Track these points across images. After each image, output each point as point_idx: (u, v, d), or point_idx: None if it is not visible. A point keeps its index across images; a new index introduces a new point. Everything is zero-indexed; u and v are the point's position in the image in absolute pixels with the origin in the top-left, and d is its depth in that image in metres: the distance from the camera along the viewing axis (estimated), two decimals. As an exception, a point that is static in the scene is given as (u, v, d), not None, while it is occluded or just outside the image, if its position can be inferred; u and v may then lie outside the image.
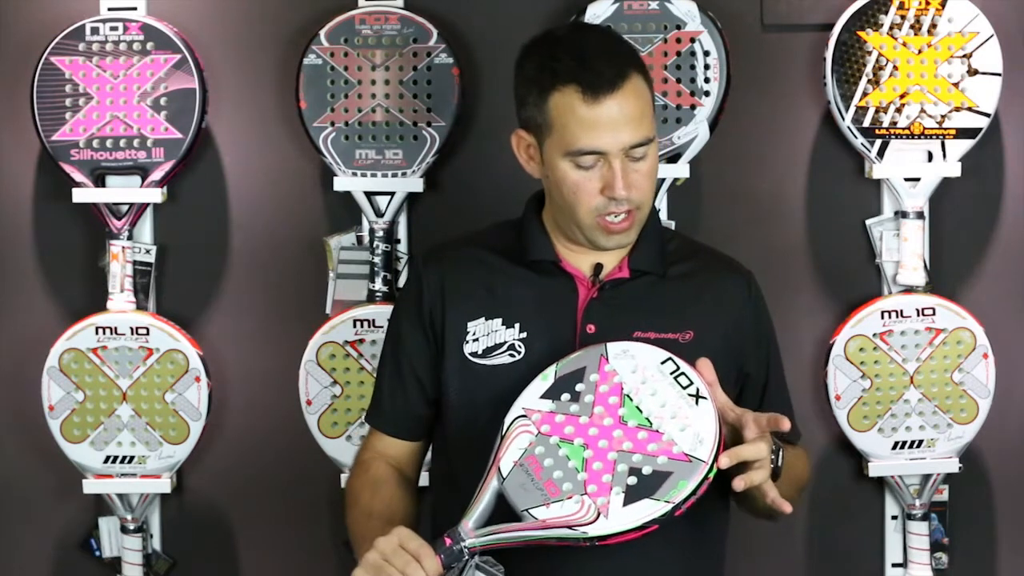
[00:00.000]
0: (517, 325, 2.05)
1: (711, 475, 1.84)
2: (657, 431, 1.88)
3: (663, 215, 2.87)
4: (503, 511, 1.88)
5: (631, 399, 1.91)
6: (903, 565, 2.94)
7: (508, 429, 1.92)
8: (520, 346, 2.03)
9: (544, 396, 1.94)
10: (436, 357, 2.09)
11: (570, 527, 1.83)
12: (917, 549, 2.90)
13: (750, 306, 2.13)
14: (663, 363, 1.93)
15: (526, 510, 1.86)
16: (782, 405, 2.15)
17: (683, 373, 1.92)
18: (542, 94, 1.99)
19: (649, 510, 1.83)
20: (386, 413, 2.15)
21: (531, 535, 1.85)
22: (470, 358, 2.06)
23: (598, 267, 2.06)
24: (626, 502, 1.83)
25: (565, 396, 1.93)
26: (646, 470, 1.85)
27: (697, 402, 1.89)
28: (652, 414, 1.89)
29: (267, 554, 3.01)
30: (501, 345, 2.05)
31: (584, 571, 1.98)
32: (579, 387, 1.93)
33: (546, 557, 1.91)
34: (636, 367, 1.93)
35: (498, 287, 2.08)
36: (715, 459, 1.85)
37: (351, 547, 2.93)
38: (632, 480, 1.84)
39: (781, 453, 1.94)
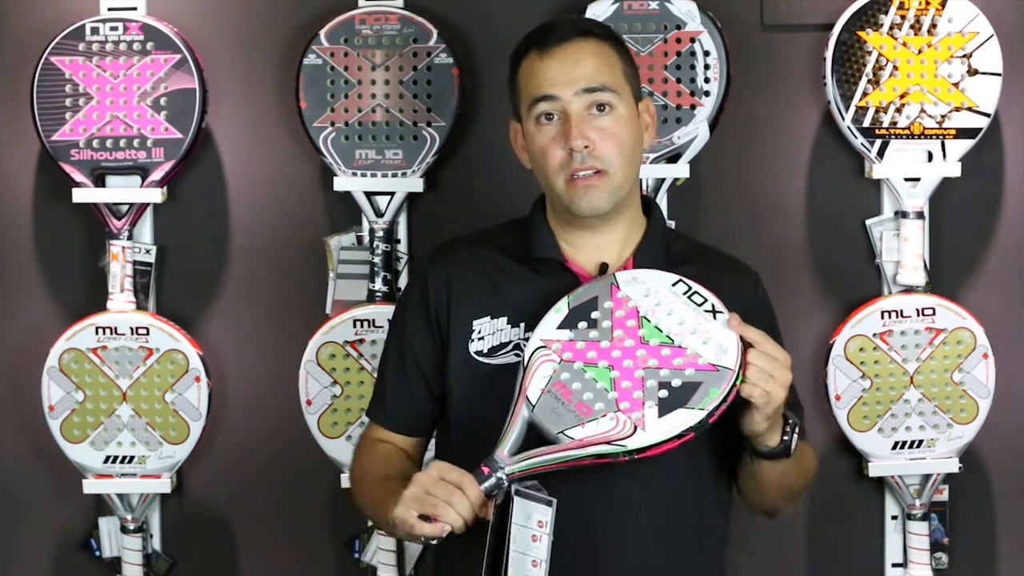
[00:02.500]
0: (523, 324, 2.05)
1: (739, 382, 1.88)
2: (680, 346, 1.91)
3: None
4: (533, 441, 1.89)
5: (648, 320, 1.94)
6: (903, 565, 2.94)
7: (529, 361, 1.94)
8: (525, 345, 2.03)
9: (561, 327, 1.96)
10: (442, 354, 2.09)
11: (609, 442, 1.86)
12: (917, 549, 2.90)
13: (757, 306, 2.13)
14: (674, 285, 1.96)
15: (561, 432, 1.88)
16: (792, 405, 2.16)
17: (696, 292, 1.95)
18: (513, 73, 2.09)
19: (685, 419, 1.86)
20: (389, 408, 2.15)
21: (569, 455, 1.87)
22: (475, 357, 2.06)
23: (603, 266, 2.07)
24: (661, 413, 1.86)
25: (582, 324, 1.95)
26: (675, 383, 1.88)
27: (715, 316, 1.93)
28: (672, 331, 1.92)
29: (267, 554, 3.01)
30: (506, 344, 2.06)
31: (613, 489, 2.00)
32: (595, 315, 1.96)
33: (576, 480, 1.92)
34: (648, 291, 1.96)
35: (504, 286, 2.09)
36: (741, 366, 1.88)
37: (351, 547, 2.95)
38: (663, 393, 1.88)
39: (796, 433, 1.97)
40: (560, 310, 1.97)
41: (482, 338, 2.07)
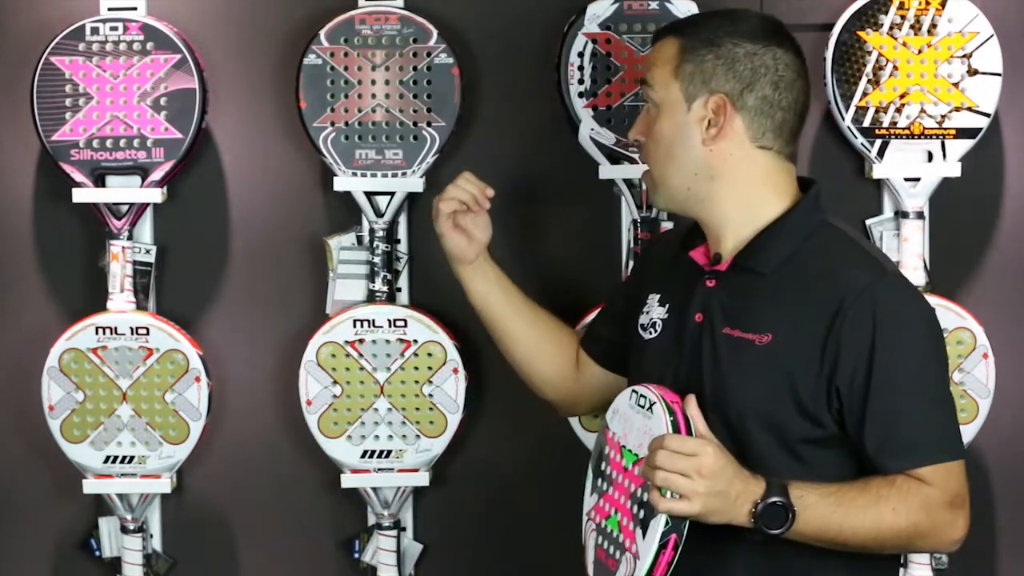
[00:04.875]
0: (667, 306, 2.17)
1: None
2: (643, 458, 1.98)
3: (663, 215, 2.86)
4: None
5: (625, 447, 2.03)
6: (903, 565, 2.94)
7: (584, 537, 2.11)
8: (659, 325, 2.16)
9: (591, 492, 2.12)
10: (625, 313, 2.30)
11: None
12: (917, 549, 2.89)
13: (852, 314, 1.97)
14: (630, 398, 2.04)
15: None
16: (889, 430, 1.98)
17: (642, 396, 2.01)
18: None
19: (657, 527, 1.91)
20: (587, 334, 2.47)
21: None
22: (638, 329, 2.21)
23: (715, 256, 2.13)
24: (643, 533, 1.93)
25: (599, 481, 2.08)
26: (644, 496, 1.95)
27: (651, 410, 1.98)
28: (636, 447, 2.00)
29: (267, 554, 3.01)
30: (654, 322, 2.17)
31: None
32: (603, 466, 2.09)
33: None
34: (620, 417, 2.06)
35: (667, 268, 2.22)
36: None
37: (351, 547, 2.95)
38: (641, 513, 1.95)
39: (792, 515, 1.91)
40: (588, 476, 2.13)
41: (647, 312, 2.20)
